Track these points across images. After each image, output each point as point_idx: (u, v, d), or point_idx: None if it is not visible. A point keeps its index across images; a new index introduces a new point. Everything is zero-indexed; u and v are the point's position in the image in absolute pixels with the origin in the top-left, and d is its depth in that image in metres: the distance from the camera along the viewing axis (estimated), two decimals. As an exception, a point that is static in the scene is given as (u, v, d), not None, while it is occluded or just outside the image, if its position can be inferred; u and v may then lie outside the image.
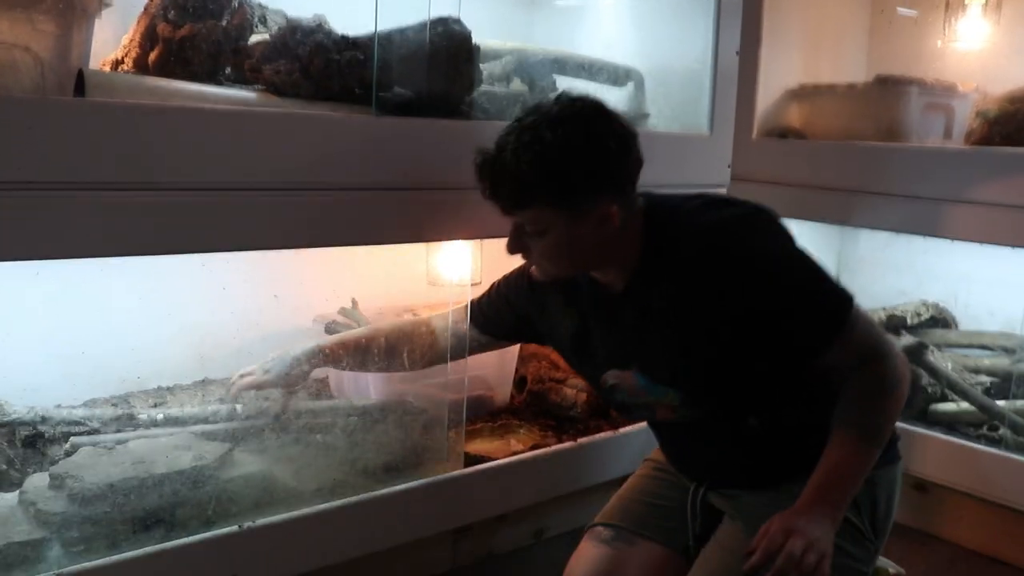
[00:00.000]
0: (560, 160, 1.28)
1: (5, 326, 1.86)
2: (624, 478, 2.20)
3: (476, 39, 1.91)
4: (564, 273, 1.45)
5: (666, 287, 1.37)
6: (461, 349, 1.75)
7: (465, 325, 1.72)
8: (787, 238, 1.38)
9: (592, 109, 1.34)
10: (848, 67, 2.92)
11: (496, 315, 1.69)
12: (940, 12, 2.64)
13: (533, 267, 1.46)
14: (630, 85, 2.32)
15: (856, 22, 3.00)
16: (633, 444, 2.18)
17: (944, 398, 2.38)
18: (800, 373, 1.41)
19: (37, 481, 1.57)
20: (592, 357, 1.52)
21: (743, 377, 1.40)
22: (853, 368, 1.36)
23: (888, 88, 2.42)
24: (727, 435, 1.48)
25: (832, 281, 1.37)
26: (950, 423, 2.33)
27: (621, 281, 1.42)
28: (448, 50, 1.65)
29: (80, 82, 1.43)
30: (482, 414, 2.23)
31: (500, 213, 1.36)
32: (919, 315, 2.62)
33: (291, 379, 1.70)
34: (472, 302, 1.73)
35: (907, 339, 2.44)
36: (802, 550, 1.23)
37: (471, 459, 1.91)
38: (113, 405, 1.94)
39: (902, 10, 2.91)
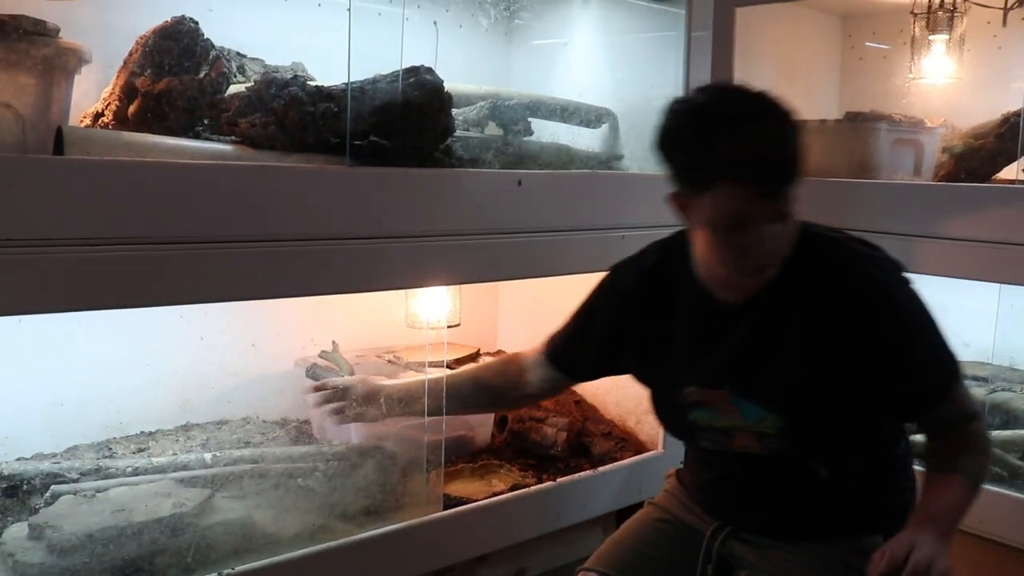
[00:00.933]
0: (798, 142, 1.28)
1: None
2: (607, 516, 2.24)
3: (451, 84, 1.95)
4: (772, 264, 1.34)
5: (803, 309, 1.35)
6: (545, 392, 1.72)
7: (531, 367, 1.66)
8: (919, 296, 1.39)
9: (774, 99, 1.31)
10: (821, 103, 2.98)
11: (576, 344, 1.61)
12: (907, 49, 2.69)
13: (740, 266, 1.34)
14: (604, 127, 2.37)
15: (828, 59, 3.07)
16: (613, 482, 2.20)
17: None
18: (888, 433, 1.45)
19: (16, 532, 1.58)
20: (674, 370, 1.47)
21: (847, 420, 1.38)
22: (952, 426, 1.39)
23: (857, 124, 2.47)
24: (791, 480, 1.44)
25: (947, 342, 1.38)
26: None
27: (745, 293, 1.38)
28: (421, 100, 1.69)
29: (60, 138, 1.46)
30: (463, 454, 2.25)
31: (754, 200, 1.26)
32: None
33: (409, 410, 1.73)
34: (548, 340, 1.65)
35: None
36: (927, 564, 1.22)
37: (451, 501, 1.92)
38: (95, 452, 1.95)
39: (872, 44, 2.98)
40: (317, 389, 1.74)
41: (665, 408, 1.54)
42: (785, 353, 1.36)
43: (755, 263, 1.33)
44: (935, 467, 1.38)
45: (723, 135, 1.25)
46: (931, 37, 2.64)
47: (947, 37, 2.61)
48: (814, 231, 1.40)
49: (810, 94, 2.97)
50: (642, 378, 1.56)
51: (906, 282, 1.38)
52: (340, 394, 1.72)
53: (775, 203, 1.27)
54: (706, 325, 1.42)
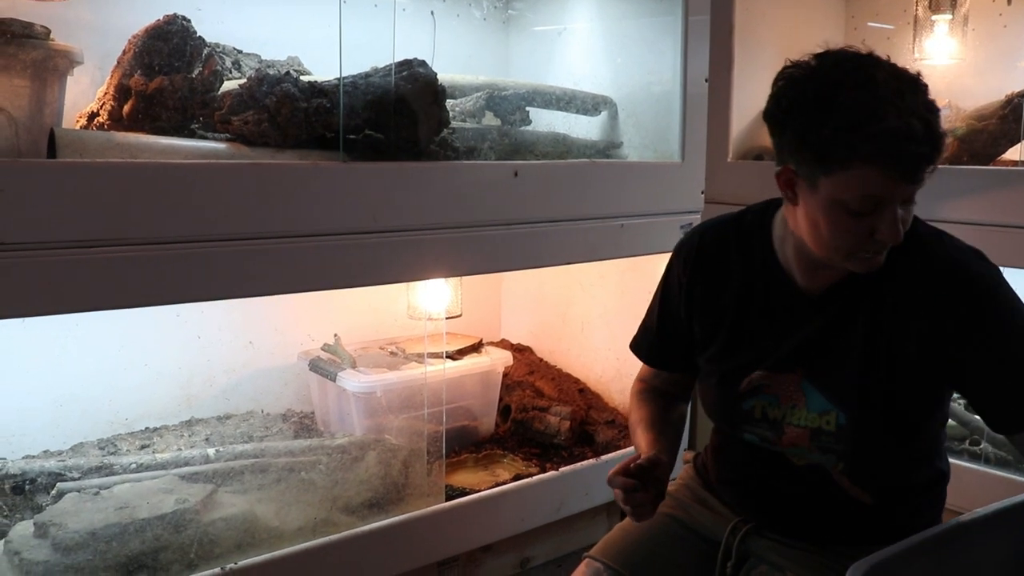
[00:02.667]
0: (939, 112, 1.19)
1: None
2: (611, 504, 2.24)
3: (447, 75, 1.94)
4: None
5: (890, 303, 1.27)
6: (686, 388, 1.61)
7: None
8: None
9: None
10: (823, 86, 2.94)
11: (666, 341, 1.52)
12: (909, 29, 2.66)
13: (857, 251, 1.23)
14: (604, 114, 2.36)
15: (831, 40, 3.02)
16: (616, 470, 2.20)
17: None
18: (937, 444, 1.38)
19: (22, 530, 1.60)
20: (742, 352, 1.39)
21: (909, 427, 1.31)
22: None
23: (859, 108, 2.44)
24: (828, 499, 1.36)
25: None
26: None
27: (829, 281, 1.31)
28: (414, 93, 1.68)
29: (53, 140, 1.46)
30: (467, 444, 2.26)
31: (897, 183, 1.17)
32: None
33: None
34: (638, 350, 1.57)
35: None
36: None
37: (454, 491, 1.94)
38: (100, 448, 1.97)
39: (874, 24, 2.94)
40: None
41: (720, 392, 1.43)
42: (864, 348, 1.29)
43: (878, 248, 1.23)
44: None
45: (871, 112, 1.14)
46: (934, 17, 2.60)
47: (951, 17, 2.58)
48: (915, 222, 1.30)
49: (812, 77, 2.94)
50: (706, 356, 1.45)
51: (1009, 288, 1.26)
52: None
53: (915, 186, 1.19)
54: (784, 310, 1.35)
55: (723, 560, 1.44)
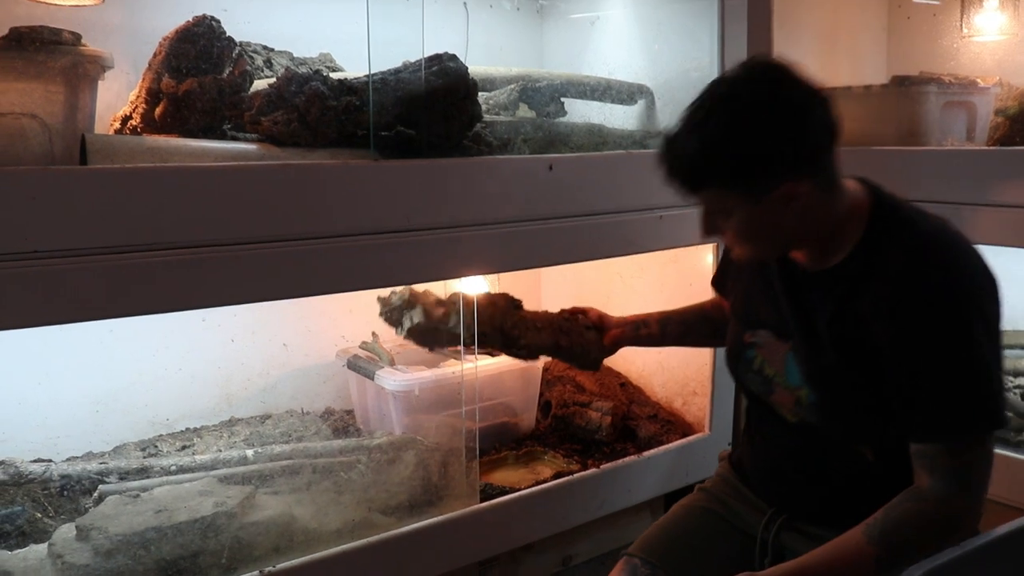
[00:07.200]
0: (727, 141, 1.20)
1: (38, 377, 1.92)
2: (654, 500, 2.21)
3: (479, 68, 1.90)
4: (763, 255, 1.38)
5: (856, 294, 1.29)
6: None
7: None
8: (992, 323, 1.24)
9: (768, 81, 1.23)
10: (867, 66, 2.87)
11: (725, 276, 1.66)
12: (957, 5, 2.57)
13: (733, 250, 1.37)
14: (641, 102, 2.31)
15: (874, 19, 2.95)
16: (659, 467, 2.16)
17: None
18: None
19: (65, 532, 1.61)
20: (753, 314, 1.47)
21: (876, 409, 1.30)
22: (932, 478, 1.24)
23: (905, 88, 2.37)
24: (833, 457, 1.38)
25: (994, 391, 1.22)
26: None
27: (819, 264, 1.35)
28: (445, 88, 1.66)
29: (84, 146, 1.46)
30: (507, 441, 2.24)
31: (688, 196, 1.29)
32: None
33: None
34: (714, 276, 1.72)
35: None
36: None
37: (494, 490, 1.91)
38: (141, 449, 1.98)
39: (919, 1, 2.85)
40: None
41: (732, 335, 1.53)
42: (830, 331, 1.32)
43: (737, 251, 1.35)
44: (870, 522, 1.25)
45: (674, 129, 1.28)
46: (984, -9, 2.52)
47: (1000, -9, 2.50)
48: (889, 207, 1.32)
49: (855, 59, 2.86)
50: (732, 307, 1.58)
51: (984, 305, 1.23)
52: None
53: (692, 196, 1.28)
54: (789, 280, 1.40)
55: (760, 555, 1.46)
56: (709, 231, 1.32)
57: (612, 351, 1.76)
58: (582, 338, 1.72)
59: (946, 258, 1.26)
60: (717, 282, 1.70)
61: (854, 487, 1.37)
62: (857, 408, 1.32)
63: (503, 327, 1.68)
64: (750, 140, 1.20)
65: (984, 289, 1.25)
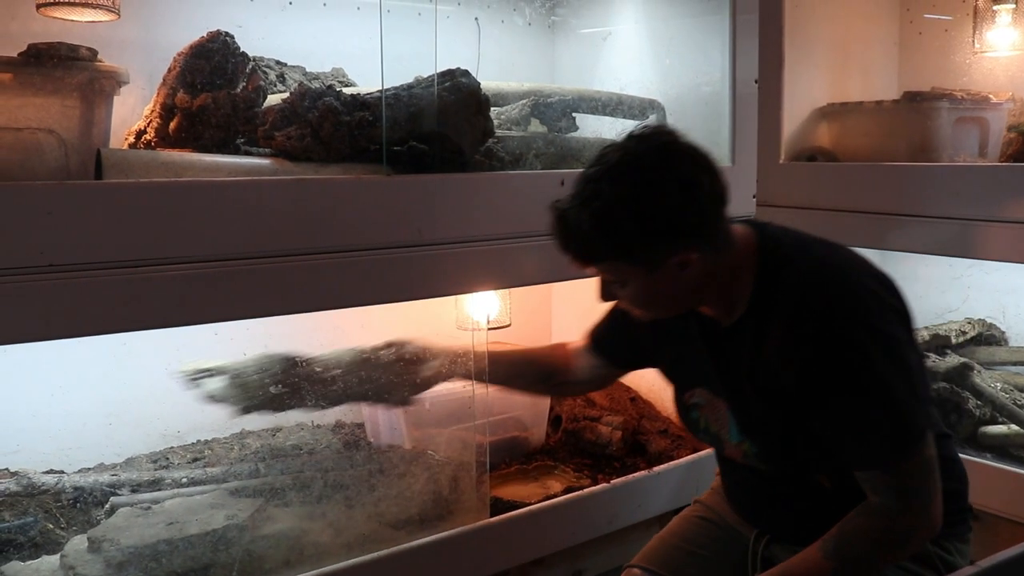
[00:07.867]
0: (618, 217, 1.21)
1: (51, 389, 1.93)
2: (664, 516, 2.20)
3: (491, 83, 1.91)
4: (662, 315, 1.38)
5: (761, 343, 1.30)
6: (592, 380, 1.70)
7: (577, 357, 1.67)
8: (889, 339, 1.25)
9: (655, 153, 1.24)
10: (879, 82, 2.87)
11: (614, 336, 1.61)
12: (969, 20, 2.57)
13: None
14: (652, 118, 2.31)
15: (886, 34, 2.95)
16: (669, 482, 2.16)
17: (993, 420, 2.31)
18: None
19: (77, 544, 1.61)
20: (688, 369, 1.47)
21: (813, 443, 1.31)
22: (881, 497, 1.27)
23: (916, 104, 2.37)
24: (796, 490, 1.41)
25: (908, 409, 1.24)
26: (1001, 447, 2.26)
27: (729, 318, 1.35)
28: (457, 103, 1.67)
29: (99, 161, 1.48)
30: (517, 456, 2.23)
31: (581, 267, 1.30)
32: (964, 333, 2.54)
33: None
34: (592, 328, 1.66)
35: (951, 360, 2.37)
36: None
37: (504, 504, 1.91)
38: (152, 461, 1.99)
39: (932, 16, 2.85)
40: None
41: (675, 398, 1.53)
42: (751, 383, 1.33)
43: (637, 313, 1.36)
44: (825, 539, 1.28)
45: (565, 202, 1.28)
46: (996, 7, 2.51)
47: (1013, 6, 2.49)
48: (774, 242, 1.33)
49: (866, 74, 2.86)
50: (665, 371, 1.55)
51: (864, 322, 1.24)
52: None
53: (604, 268, 1.29)
54: (710, 342, 1.40)
55: (751, 566, 1.49)
56: (606, 298, 1.35)
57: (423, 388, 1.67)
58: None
59: (827, 293, 1.27)
60: (597, 337, 1.64)
61: (819, 512, 1.37)
62: (796, 449, 1.33)
63: None
64: (640, 216, 1.21)
65: (871, 308, 1.26)
